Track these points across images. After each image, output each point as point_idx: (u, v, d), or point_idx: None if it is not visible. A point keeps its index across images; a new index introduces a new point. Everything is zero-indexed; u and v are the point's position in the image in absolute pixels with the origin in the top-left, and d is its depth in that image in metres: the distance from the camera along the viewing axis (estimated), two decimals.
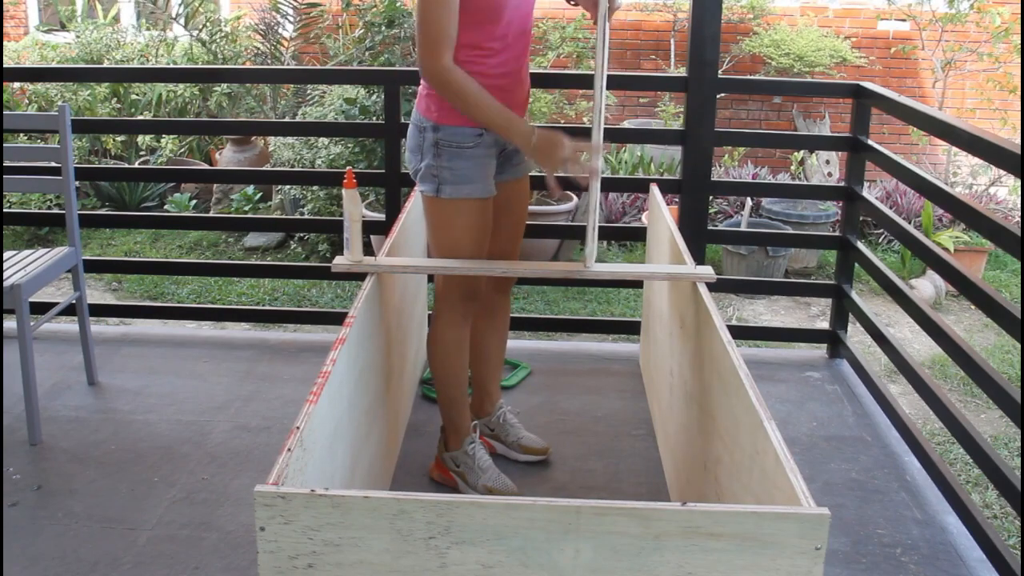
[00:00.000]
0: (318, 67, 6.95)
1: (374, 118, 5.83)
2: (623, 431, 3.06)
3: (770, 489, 1.58)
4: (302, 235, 6.16)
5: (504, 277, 2.72)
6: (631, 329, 3.86)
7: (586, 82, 6.25)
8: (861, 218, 4.06)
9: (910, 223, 5.86)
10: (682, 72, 4.66)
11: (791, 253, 5.97)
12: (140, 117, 7.13)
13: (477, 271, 2.39)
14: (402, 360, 2.85)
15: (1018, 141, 2.78)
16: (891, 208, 5.80)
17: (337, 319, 3.83)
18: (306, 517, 1.39)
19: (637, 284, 4.07)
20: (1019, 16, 6.79)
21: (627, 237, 5.82)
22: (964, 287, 2.67)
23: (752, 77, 7.14)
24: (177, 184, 7.01)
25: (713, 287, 2.35)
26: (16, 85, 7.00)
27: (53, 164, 3.62)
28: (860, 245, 3.56)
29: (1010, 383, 2.47)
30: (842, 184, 3.67)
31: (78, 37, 7.57)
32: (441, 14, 2.23)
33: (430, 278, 3.86)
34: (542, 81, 5.17)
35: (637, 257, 6.17)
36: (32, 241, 6.24)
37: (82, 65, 7.17)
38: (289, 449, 1.51)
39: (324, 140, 6.01)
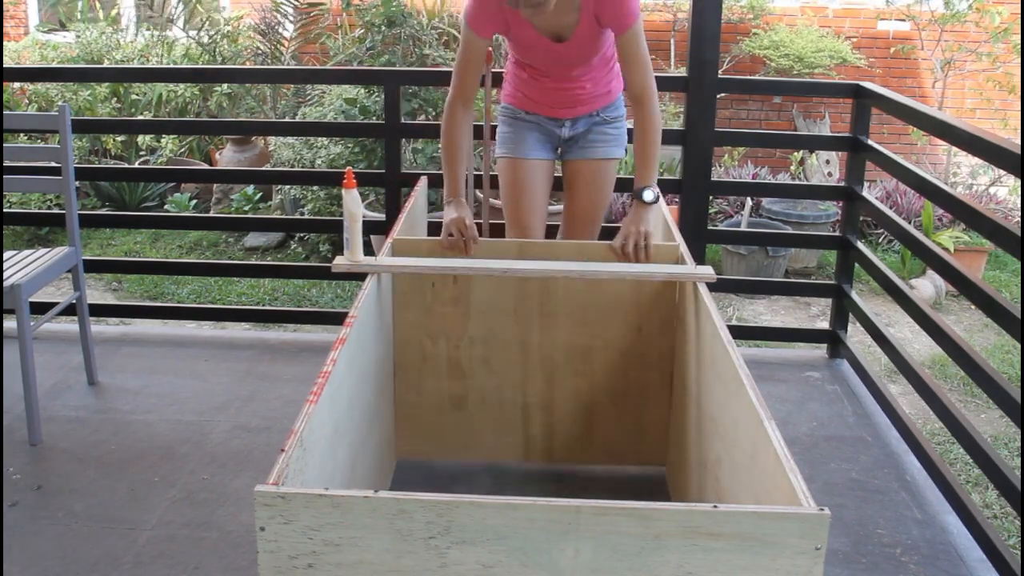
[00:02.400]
0: (318, 67, 6.95)
1: (374, 118, 5.83)
2: None
3: (770, 489, 1.58)
4: (302, 235, 6.16)
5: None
6: None
7: None
8: (861, 218, 4.06)
9: (910, 223, 5.86)
10: (682, 72, 4.66)
11: (791, 253, 5.97)
12: (140, 117, 7.13)
13: (477, 271, 2.39)
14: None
15: (1017, 141, 2.78)
16: (891, 208, 5.80)
17: (337, 319, 3.83)
18: (306, 517, 1.39)
19: None
20: (1018, 16, 6.79)
21: None
22: (964, 287, 2.67)
23: (752, 77, 7.14)
24: (177, 184, 7.01)
25: (713, 287, 2.35)
26: (16, 85, 7.00)
27: (53, 164, 3.62)
28: (860, 245, 3.56)
29: (1010, 383, 2.47)
30: (842, 184, 3.67)
31: (78, 37, 7.56)
32: (459, 64, 2.76)
33: None
34: None
35: None
36: (32, 241, 6.24)
37: (82, 65, 7.17)
38: (289, 449, 1.51)
39: (324, 140, 6.01)
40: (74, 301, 3.29)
